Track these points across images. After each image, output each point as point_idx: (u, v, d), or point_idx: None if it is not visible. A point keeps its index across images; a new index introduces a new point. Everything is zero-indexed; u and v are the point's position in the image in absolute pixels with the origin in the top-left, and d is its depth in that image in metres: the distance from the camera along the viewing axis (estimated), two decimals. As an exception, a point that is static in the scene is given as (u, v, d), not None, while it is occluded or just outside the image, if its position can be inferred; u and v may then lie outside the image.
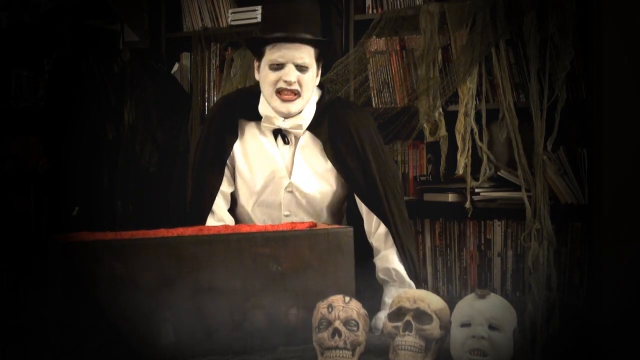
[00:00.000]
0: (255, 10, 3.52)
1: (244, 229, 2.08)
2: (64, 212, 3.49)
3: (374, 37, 3.23)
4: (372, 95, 3.27)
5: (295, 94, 2.33)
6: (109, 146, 3.54)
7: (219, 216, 2.43)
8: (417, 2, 3.23)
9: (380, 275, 2.35)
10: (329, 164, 2.41)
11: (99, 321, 1.73)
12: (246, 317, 1.86)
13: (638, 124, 2.88)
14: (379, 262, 2.36)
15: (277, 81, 2.32)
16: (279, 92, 2.33)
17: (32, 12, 4.00)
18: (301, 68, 2.32)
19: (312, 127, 2.41)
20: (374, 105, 3.26)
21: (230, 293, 1.85)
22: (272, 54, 2.33)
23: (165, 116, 3.61)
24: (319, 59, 2.39)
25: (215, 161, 2.44)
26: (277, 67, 2.32)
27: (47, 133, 3.69)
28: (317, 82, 2.42)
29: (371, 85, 3.27)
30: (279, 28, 2.32)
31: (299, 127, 2.39)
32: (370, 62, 3.26)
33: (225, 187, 2.46)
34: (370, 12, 3.33)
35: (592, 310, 2.82)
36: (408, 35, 3.20)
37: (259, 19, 3.50)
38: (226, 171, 2.45)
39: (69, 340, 1.71)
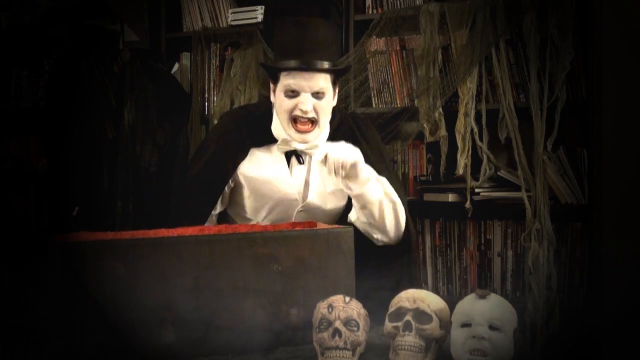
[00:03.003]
0: (255, 10, 3.52)
1: (244, 229, 2.08)
2: (64, 212, 3.49)
3: (374, 37, 3.23)
4: (372, 95, 3.27)
5: (312, 123, 2.29)
6: (109, 146, 3.55)
7: None
8: (417, 2, 3.23)
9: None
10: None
11: (99, 321, 1.72)
12: (246, 317, 1.86)
13: (638, 124, 2.88)
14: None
15: (292, 109, 2.27)
16: (294, 120, 2.28)
17: (32, 12, 4.00)
18: (317, 95, 2.28)
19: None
20: (373, 105, 3.26)
21: (230, 293, 1.84)
22: (287, 80, 2.27)
23: (165, 116, 3.61)
24: (335, 82, 2.34)
25: (215, 189, 2.40)
26: (292, 94, 2.27)
27: (47, 133, 3.69)
28: (334, 104, 2.37)
29: (371, 85, 3.27)
30: (294, 56, 2.26)
31: (315, 147, 2.34)
32: (370, 62, 3.26)
33: (216, 210, 2.43)
34: (370, 12, 3.33)
35: (592, 310, 2.82)
36: (408, 35, 3.20)
37: (259, 19, 3.50)
38: (225, 191, 2.42)
39: (69, 340, 1.71)
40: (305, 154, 2.38)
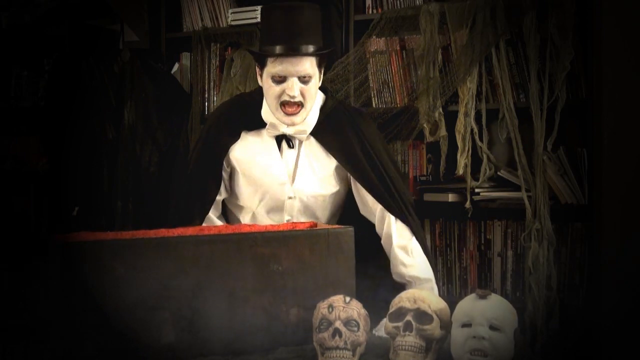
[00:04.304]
0: (255, 10, 3.52)
1: (244, 229, 2.08)
2: (64, 212, 3.49)
3: (374, 37, 3.23)
4: (372, 95, 3.27)
5: (298, 106, 2.33)
6: (109, 146, 3.54)
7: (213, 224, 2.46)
8: (417, 2, 3.22)
9: (395, 278, 2.37)
10: (332, 167, 2.43)
11: (99, 321, 1.72)
12: (246, 317, 1.86)
13: (638, 124, 2.88)
14: (392, 265, 2.38)
15: (280, 94, 2.32)
16: (282, 104, 2.33)
17: (32, 12, 3.99)
18: (304, 79, 2.32)
19: (316, 132, 2.43)
20: (374, 105, 3.26)
21: (230, 293, 1.85)
22: (274, 67, 2.32)
23: (165, 116, 3.61)
24: (321, 65, 2.38)
25: (213, 171, 2.45)
26: (280, 80, 2.32)
27: (47, 133, 3.69)
28: (319, 85, 2.42)
29: (371, 85, 3.27)
30: (279, 41, 2.30)
31: (303, 132, 2.41)
32: (370, 62, 3.26)
33: (219, 196, 2.48)
34: (370, 12, 3.33)
35: (592, 310, 2.82)
36: (408, 35, 3.20)
37: (259, 19, 3.49)
38: (223, 176, 2.47)
39: (69, 340, 1.71)
40: (295, 138, 2.42)
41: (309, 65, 2.32)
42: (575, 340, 2.84)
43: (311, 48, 2.31)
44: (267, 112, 2.41)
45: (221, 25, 3.67)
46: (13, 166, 4.06)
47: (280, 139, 2.43)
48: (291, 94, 2.30)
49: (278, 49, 2.30)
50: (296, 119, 2.35)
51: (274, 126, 2.40)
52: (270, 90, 2.34)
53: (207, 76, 3.66)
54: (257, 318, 1.87)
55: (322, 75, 2.42)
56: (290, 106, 2.33)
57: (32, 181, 3.97)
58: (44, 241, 1.81)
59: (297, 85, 2.31)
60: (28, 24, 4.00)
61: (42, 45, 4.04)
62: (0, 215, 3.87)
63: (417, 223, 2.44)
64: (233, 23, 3.58)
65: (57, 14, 3.94)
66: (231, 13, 3.59)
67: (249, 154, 2.44)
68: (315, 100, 2.40)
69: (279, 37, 2.31)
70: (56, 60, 3.79)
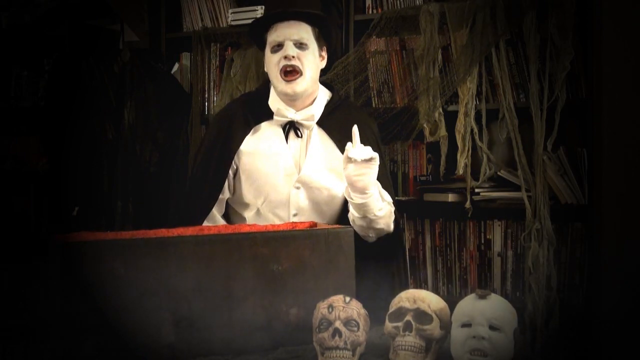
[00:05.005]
0: (255, 10, 3.52)
1: (244, 229, 2.08)
2: (64, 212, 3.49)
3: (374, 37, 3.23)
4: (372, 95, 3.27)
5: (297, 72, 2.36)
6: (109, 146, 3.55)
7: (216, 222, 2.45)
8: (417, 2, 3.23)
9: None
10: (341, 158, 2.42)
11: (99, 321, 1.72)
12: (246, 317, 1.86)
13: (638, 124, 2.88)
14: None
15: (279, 61, 2.37)
16: (282, 72, 2.36)
17: (32, 12, 4.00)
18: (300, 45, 2.37)
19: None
20: (374, 105, 3.26)
21: (230, 293, 1.84)
22: (271, 36, 2.39)
23: (165, 116, 3.61)
24: (320, 40, 2.42)
25: (221, 170, 2.45)
26: (278, 47, 2.38)
27: (47, 133, 3.70)
28: (322, 65, 2.46)
29: (371, 85, 3.27)
30: (275, 8, 2.39)
31: (311, 117, 2.42)
32: (370, 62, 3.26)
33: (222, 195, 2.47)
34: (370, 12, 3.33)
35: (592, 310, 2.82)
36: (408, 35, 3.20)
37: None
38: (229, 174, 2.46)
39: (69, 340, 1.71)
40: (302, 125, 2.42)
41: (304, 31, 2.37)
42: (575, 340, 2.84)
43: (303, 9, 2.36)
44: (274, 98, 2.44)
45: (221, 25, 3.67)
46: (13, 166, 4.06)
47: (288, 129, 2.43)
48: (286, 53, 2.34)
49: (270, 12, 2.39)
50: (296, 86, 2.36)
51: (280, 112, 2.41)
52: (270, 60, 2.39)
53: (207, 76, 3.67)
54: (257, 318, 1.87)
55: (323, 55, 2.45)
56: (289, 72, 2.36)
57: (32, 181, 3.97)
58: (44, 241, 1.80)
59: (293, 48, 2.36)
60: (28, 24, 4.01)
61: (42, 45, 4.04)
62: (0, 215, 3.87)
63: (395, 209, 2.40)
64: (233, 23, 3.58)
65: (57, 14, 3.94)
66: (231, 13, 3.59)
67: (256, 144, 2.44)
68: (316, 74, 2.42)
69: (276, 5, 2.39)
70: (56, 60, 3.80)
